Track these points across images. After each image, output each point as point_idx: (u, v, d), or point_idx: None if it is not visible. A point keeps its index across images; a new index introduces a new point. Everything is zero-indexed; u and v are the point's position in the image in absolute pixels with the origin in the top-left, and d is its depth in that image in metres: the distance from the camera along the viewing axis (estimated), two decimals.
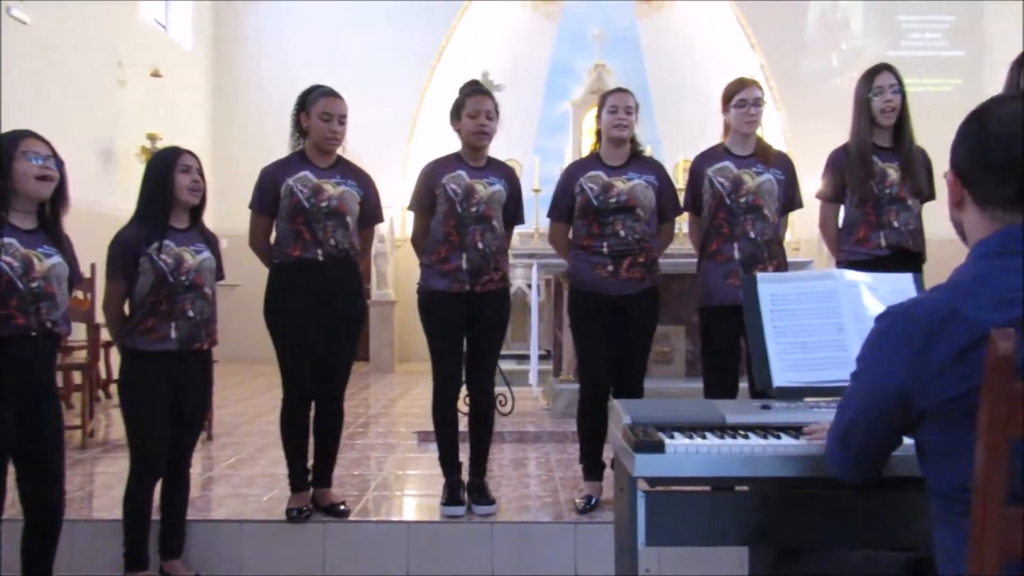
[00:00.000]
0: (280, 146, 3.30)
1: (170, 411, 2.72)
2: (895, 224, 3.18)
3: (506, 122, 3.41)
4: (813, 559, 1.54)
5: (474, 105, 3.16)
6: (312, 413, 3.19)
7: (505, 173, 3.31)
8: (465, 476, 3.31)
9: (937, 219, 3.13)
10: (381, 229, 7.86)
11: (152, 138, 7.39)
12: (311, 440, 3.21)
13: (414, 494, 3.63)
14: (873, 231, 3.21)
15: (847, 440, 1.34)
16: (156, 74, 7.35)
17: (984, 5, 7.80)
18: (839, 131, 3.42)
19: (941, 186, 2.66)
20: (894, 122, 3.21)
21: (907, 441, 1.32)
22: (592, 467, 3.33)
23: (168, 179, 2.70)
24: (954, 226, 1.33)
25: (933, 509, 1.24)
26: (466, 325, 3.21)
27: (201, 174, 2.78)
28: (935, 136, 3.36)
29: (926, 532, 1.27)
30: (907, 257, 3.16)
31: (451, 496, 3.20)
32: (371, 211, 3.27)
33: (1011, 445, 1.03)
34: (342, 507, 3.19)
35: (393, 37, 8.74)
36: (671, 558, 2.80)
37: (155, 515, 2.82)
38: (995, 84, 3.08)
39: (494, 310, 3.24)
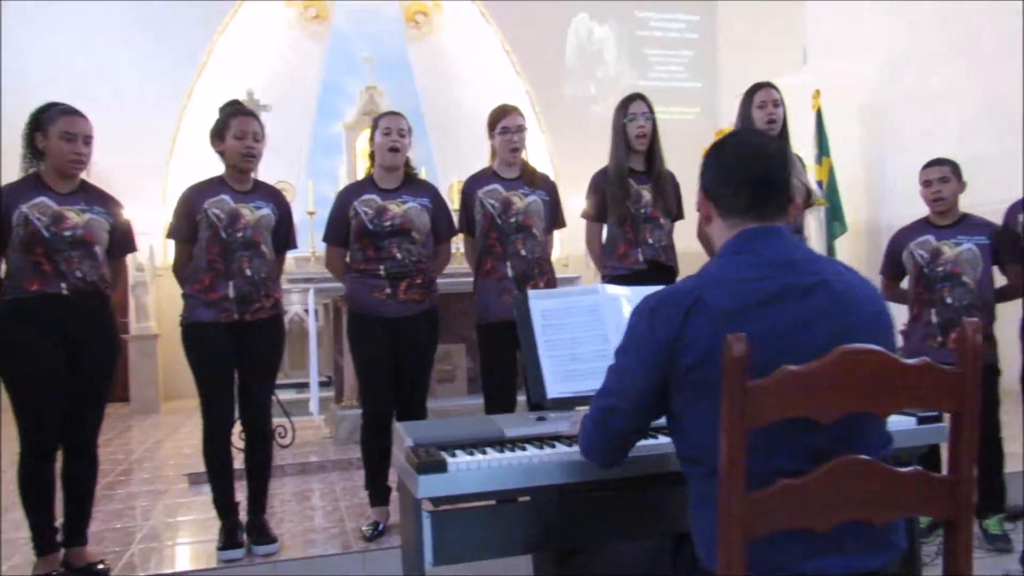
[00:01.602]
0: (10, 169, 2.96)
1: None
2: (650, 241, 3.46)
3: (276, 143, 3.30)
4: (587, 556, 1.64)
5: (240, 126, 3.02)
6: (60, 464, 2.87)
7: (273, 196, 3.19)
8: (244, 516, 3.13)
9: (686, 236, 3.46)
10: (140, 258, 7.27)
11: None
12: (59, 495, 2.89)
13: (187, 541, 3.37)
14: (632, 248, 3.47)
15: (604, 427, 1.48)
16: None
17: (716, 43, 8.74)
18: (600, 154, 3.66)
19: (688, 206, 2.95)
20: (647, 147, 3.50)
21: (662, 439, 1.47)
22: (378, 492, 3.28)
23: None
24: (701, 242, 1.53)
25: (684, 471, 1.40)
26: (236, 357, 3.05)
27: None
28: (680, 159, 3.72)
29: (687, 518, 1.40)
30: (661, 270, 3.45)
31: (228, 539, 3.02)
32: (122, 239, 3.02)
33: (748, 436, 1.15)
34: (100, 566, 2.90)
35: (148, 51, 8.15)
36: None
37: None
38: (728, 113, 3.46)
39: (266, 339, 3.10)
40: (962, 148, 4.41)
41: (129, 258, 4.28)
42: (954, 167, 3.30)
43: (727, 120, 3.39)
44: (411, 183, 3.37)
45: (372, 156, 3.39)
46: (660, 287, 1.47)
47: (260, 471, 3.15)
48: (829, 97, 6.55)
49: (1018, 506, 3.36)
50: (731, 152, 1.46)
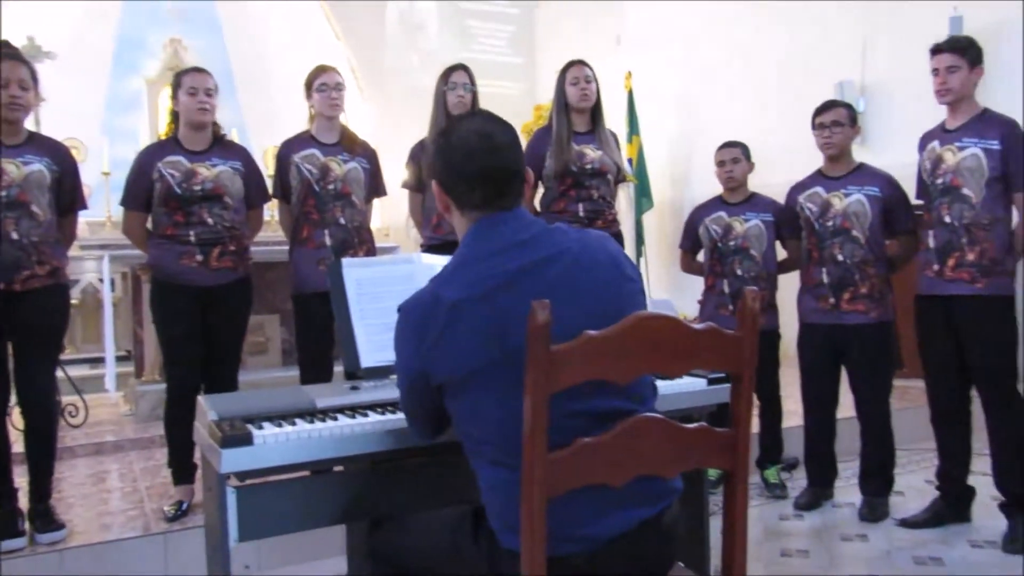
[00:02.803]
0: None
1: None
2: None
3: (66, 98, 2.99)
4: (396, 524, 1.65)
5: (4, 73, 2.71)
6: None
7: (51, 151, 2.88)
8: (25, 503, 2.87)
9: None
10: None
11: None
12: None
13: None
14: (445, 218, 3.48)
15: (406, 413, 1.54)
16: None
17: (535, 19, 8.89)
18: (423, 124, 3.63)
19: None
20: None
21: None
22: (182, 470, 3.11)
23: None
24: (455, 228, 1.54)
25: (470, 461, 1.43)
26: (6, 330, 2.76)
27: None
28: None
29: None
30: None
31: (5, 528, 2.75)
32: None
33: (550, 400, 1.20)
34: None
35: None
36: (272, 548, 2.76)
37: None
38: (548, 88, 3.53)
39: (40, 311, 2.80)
40: (757, 133, 4.80)
41: None
42: (744, 149, 3.58)
43: (547, 96, 3.49)
44: (221, 145, 3.20)
45: (175, 115, 3.17)
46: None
47: (42, 453, 2.88)
48: (641, 79, 6.88)
49: (793, 458, 3.74)
50: (460, 146, 1.42)
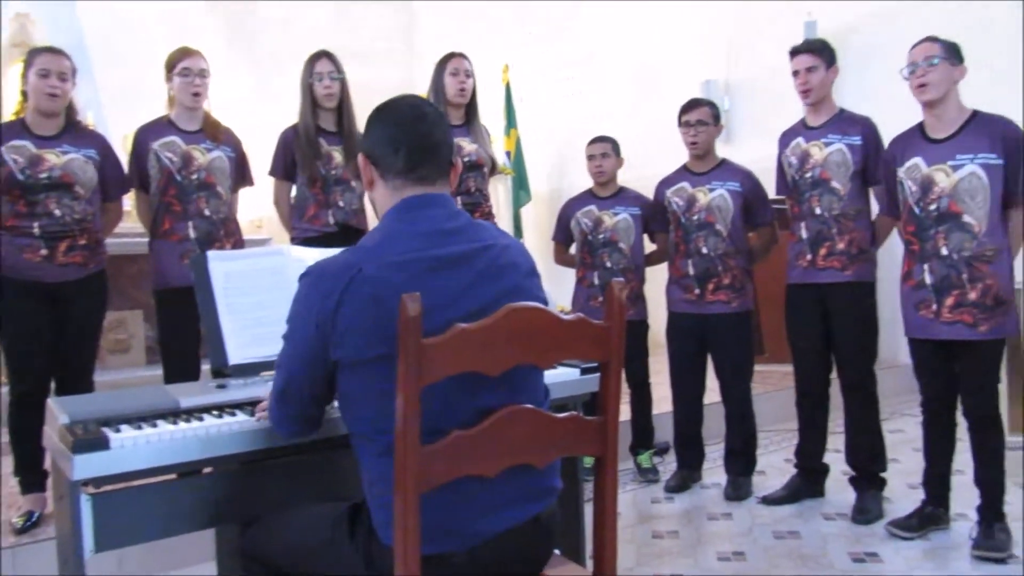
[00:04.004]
0: None
1: None
2: (341, 204, 3.40)
3: None
4: (268, 524, 1.60)
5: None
6: None
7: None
8: None
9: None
10: None
11: None
12: None
13: None
14: (322, 209, 3.39)
15: (286, 398, 1.46)
16: None
17: (415, 6, 8.80)
18: (296, 108, 3.51)
19: None
20: (335, 105, 3.42)
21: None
22: (31, 478, 2.90)
23: None
24: (373, 207, 1.52)
25: (356, 451, 1.41)
26: None
27: None
28: None
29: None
30: (352, 234, 3.42)
31: None
32: None
33: (423, 393, 1.20)
34: None
35: None
36: (136, 556, 2.62)
37: None
38: (426, 79, 3.51)
39: None
40: (628, 128, 4.94)
41: None
42: (614, 144, 3.68)
43: (425, 84, 3.48)
44: (74, 131, 3.00)
45: (25, 95, 2.94)
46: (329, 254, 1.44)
47: None
48: (521, 69, 6.94)
49: (664, 443, 3.89)
50: (390, 115, 1.46)
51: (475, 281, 1.36)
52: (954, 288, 2.68)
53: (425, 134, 1.44)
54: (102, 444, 1.44)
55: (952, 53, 2.67)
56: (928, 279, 2.73)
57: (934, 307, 2.72)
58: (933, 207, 2.71)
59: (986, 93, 2.99)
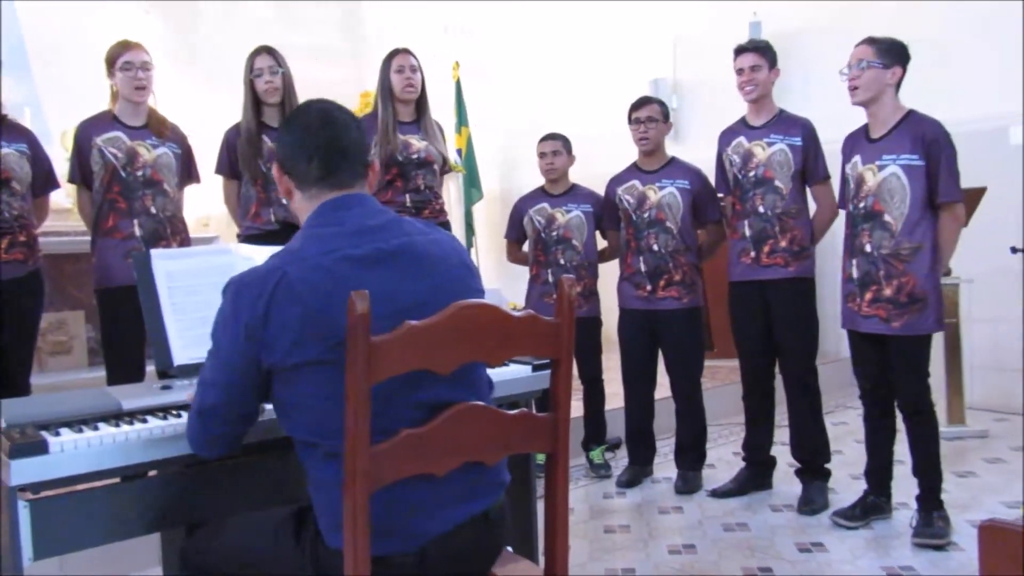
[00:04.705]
0: None
1: None
2: (284, 201, 3.34)
3: None
4: (213, 528, 1.58)
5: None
6: None
7: None
8: None
9: None
10: None
11: None
12: None
13: None
14: (263, 207, 3.33)
15: (212, 416, 1.41)
16: None
17: (362, 7, 8.72)
18: (240, 105, 3.45)
19: None
20: (279, 101, 3.35)
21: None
22: None
23: None
24: (295, 217, 1.50)
25: (300, 456, 1.38)
26: None
27: None
28: None
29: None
30: (295, 232, 3.37)
31: None
32: None
33: (372, 391, 1.19)
34: None
35: None
36: (78, 560, 2.55)
37: None
38: (374, 74, 3.48)
39: None
40: (579, 125, 4.97)
41: None
42: (565, 141, 3.69)
43: (373, 82, 3.46)
44: (4, 127, 2.91)
45: None
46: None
47: None
48: (469, 69, 6.93)
49: (616, 438, 3.93)
50: (299, 123, 1.45)
51: (404, 277, 1.35)
52: (873, 283, 2.79)
53: (335, 138, 1.42)
54: (40, 448, 1.40)
55: (889, 55, 2.75)
56: (855, 273, 2.85)
57: (857, 300, 2.83)
58: (862, 205, 2.82)
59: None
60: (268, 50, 3.35)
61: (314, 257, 1.32)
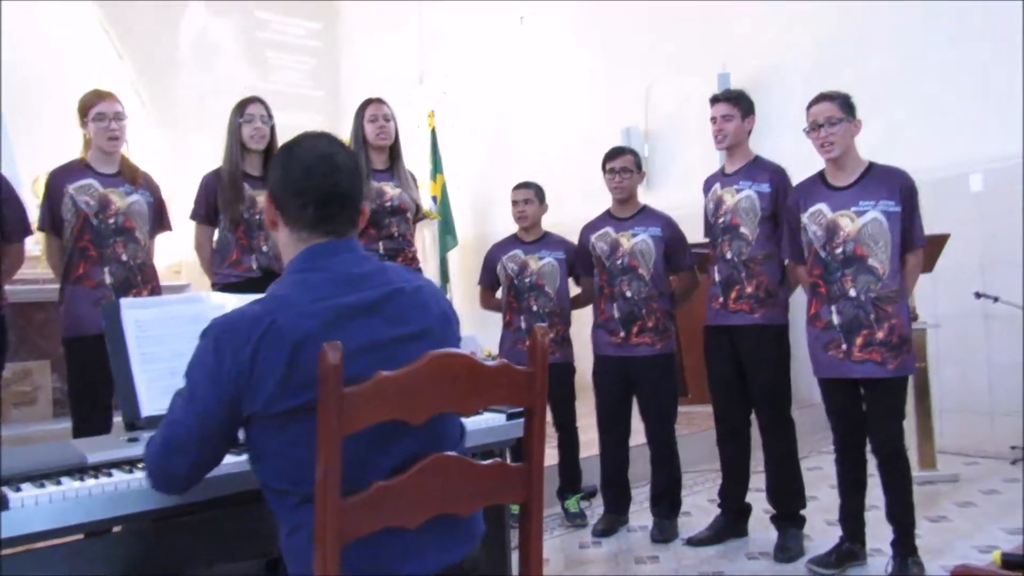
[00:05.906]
0: None
1: None
2: (264, 248, 3.34)
3: None
4: None
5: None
6: None
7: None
8: None
9: None
10: None
11: None
12: None
13: None
14: (245, 255, 3.32)
15: (179, 452, 1.36)
16: None
17: (339, 51, 8.82)
18: (215, 152, 3.46)
19: None
20: (262, 149, 3.38)
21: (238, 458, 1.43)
22: None
23: None
24: (276, 261, 1.50)
25: (272, 505, 1.35)
26: None
27: None
28: None
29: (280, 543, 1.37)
30: (276, 279, 3.36)
31: None
32: None
33: (344, 444, 1.18)
34: None
35: None
36: None
37: None
38: (350, 121, 3.52)
39: None
40: (552, 173, 5.03)
41: None
42: (538, 190, 3.74)
43: (349, 129, 3.50)
44: None
45: None
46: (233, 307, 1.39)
47: None
48: (444, 118, 7.01)
49: (592, 486, 3.89)
50: (300, 161, 1.41)
51: (388, 325, 1.34)
52: (863, 328, 2.80)
53: (335, 185, 1.39)
54: (1, 505, 1.36)
55: (848, 108, 2.85)
56: (836, 320, 2.85)
57: (844, 347, 2.83)
58: (839, 251, 2.84)
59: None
60: (260, 100, 3.40)
61: (304, 304, 1.30)
